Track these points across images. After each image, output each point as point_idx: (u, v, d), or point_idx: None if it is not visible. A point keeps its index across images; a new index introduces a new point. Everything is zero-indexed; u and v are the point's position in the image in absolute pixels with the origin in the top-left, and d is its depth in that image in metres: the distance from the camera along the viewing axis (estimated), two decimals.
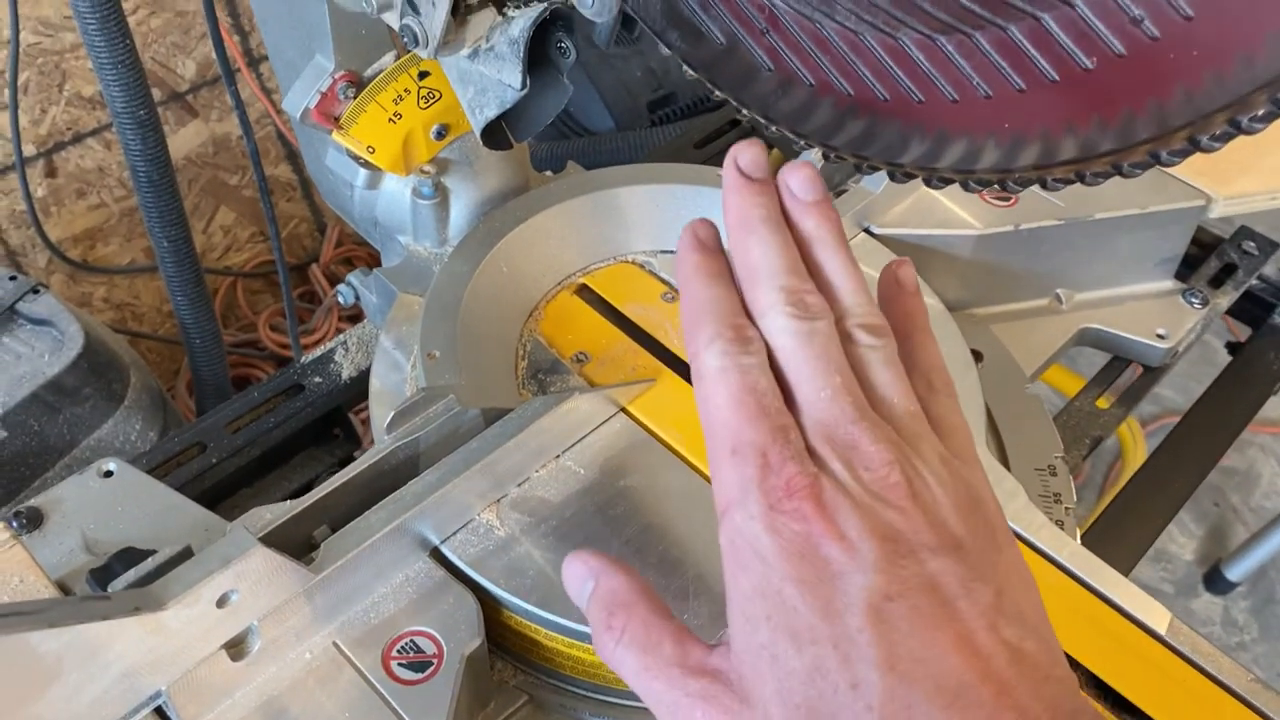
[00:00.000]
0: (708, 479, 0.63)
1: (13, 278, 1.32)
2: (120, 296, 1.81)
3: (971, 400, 0.73)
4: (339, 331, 1.92)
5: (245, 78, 1.71)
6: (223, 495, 0.83)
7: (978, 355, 0.83)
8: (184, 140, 1.77)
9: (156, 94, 1.70)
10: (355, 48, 0.70)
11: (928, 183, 0.51)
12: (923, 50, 0.43)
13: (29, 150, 1.61)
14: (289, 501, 0.59)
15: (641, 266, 0.79)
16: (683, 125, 1.68)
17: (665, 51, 0.55)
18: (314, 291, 1.95)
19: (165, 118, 1.73)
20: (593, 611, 0.41)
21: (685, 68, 0.55)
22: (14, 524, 0.70)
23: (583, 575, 0.43)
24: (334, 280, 1.94)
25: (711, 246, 0.45)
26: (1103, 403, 0.89)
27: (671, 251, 0.80)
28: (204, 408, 1.50)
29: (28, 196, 1.53)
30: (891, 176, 0.50)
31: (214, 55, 1.07)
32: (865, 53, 0.45)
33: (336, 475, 0.59)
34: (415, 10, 0.61)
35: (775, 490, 0.36)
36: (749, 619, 0.36)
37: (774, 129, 0.53)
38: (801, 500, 0.35)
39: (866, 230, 0.81)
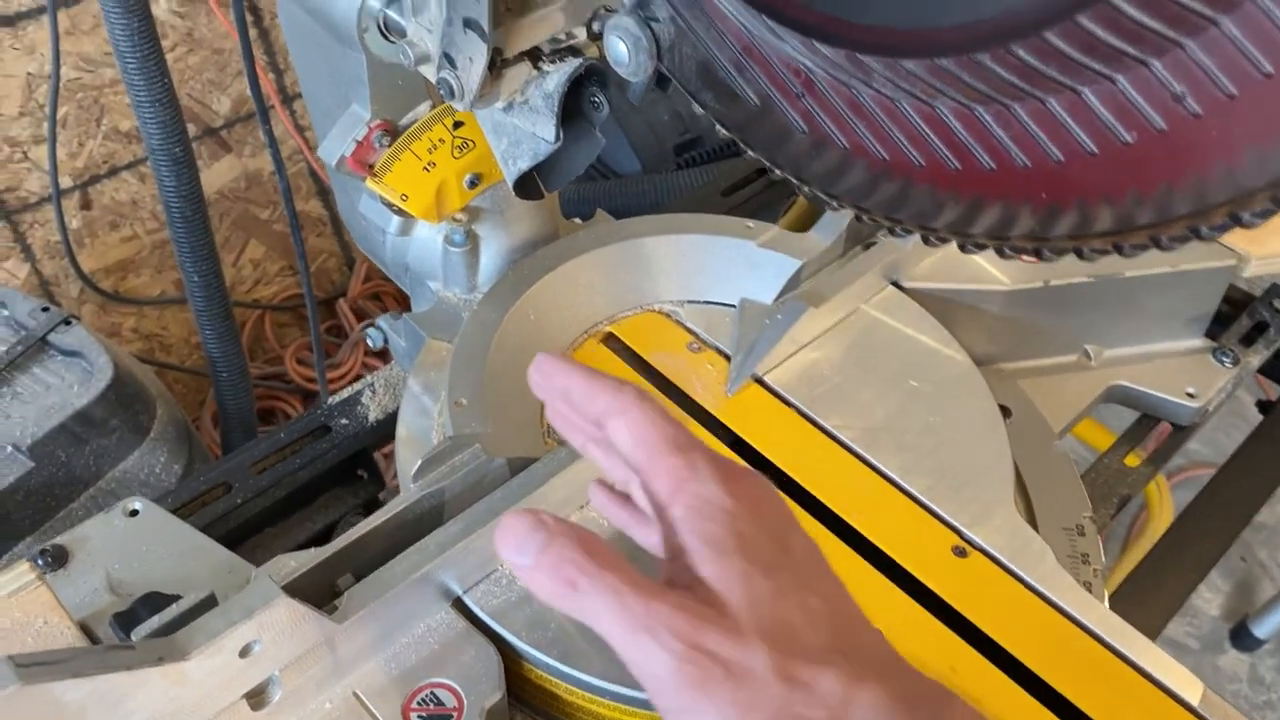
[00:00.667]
0: None
1: (45, 309, 1.33)
2: (149, 327, 1.83)
3: (999, 457, 0.73)
4: (365, 367, 1.93)
5: (279, 114, 1.73)
6: (247, 535, 0.83)
7: (1006, 411, 0.82)
8: (217, 175, 1.79)
9: (191, 129, 1.73)
10: (391, 97, 0.71)
11: (962, 248, 0.51)
12: (960, 119, 0.43)
13: (65, 182, 1.64)
14: (313, 549, 0.59)
15: (668, 316, 0.80)
16: (710, 169, 1.69)
17: (698, 110, 0.55)
18: (341, 326, 1.97)
19: (199, 152, 1.75)
20: (555, 551, 0.42)
21: (719, 127, 0.55)
22: (39, 562, 0.70)
23: (531, 527, 0.43)
24: (361, 315, 1.95)
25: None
26: (1132, 460, 0.88)
27: (696, 301, 0.81)
28: (229, 441, 1.51)
29: (62, 228, 1.55)
30: (925, 240, 0.50)
31: (249, 92, 1.08)
32: (901, 119, 0.45)
33: (361, 523, 0.59)
34: (452, 65, 0.61)
35: (723, 468, 0.46)
36: (720, 550, 0.42)
37: (807, 189, 0.54)
38: (740, 476, 0.47)
39: (895, 284, 0.81)
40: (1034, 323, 0.87)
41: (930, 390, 0.75)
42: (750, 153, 0.55)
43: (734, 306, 0.79)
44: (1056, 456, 0.81)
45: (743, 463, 0.52)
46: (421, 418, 0.71)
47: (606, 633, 0.41)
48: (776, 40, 0.47)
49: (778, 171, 0.54)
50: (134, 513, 0.73)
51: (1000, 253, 0.47)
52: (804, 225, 0.83)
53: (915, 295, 0.83)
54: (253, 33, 1.67)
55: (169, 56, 1.67)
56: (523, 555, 0.42)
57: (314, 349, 1.44)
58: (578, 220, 0.87)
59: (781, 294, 0.79)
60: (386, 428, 0.85)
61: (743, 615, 0.40)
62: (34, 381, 1.28)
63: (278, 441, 0.82)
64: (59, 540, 0.72)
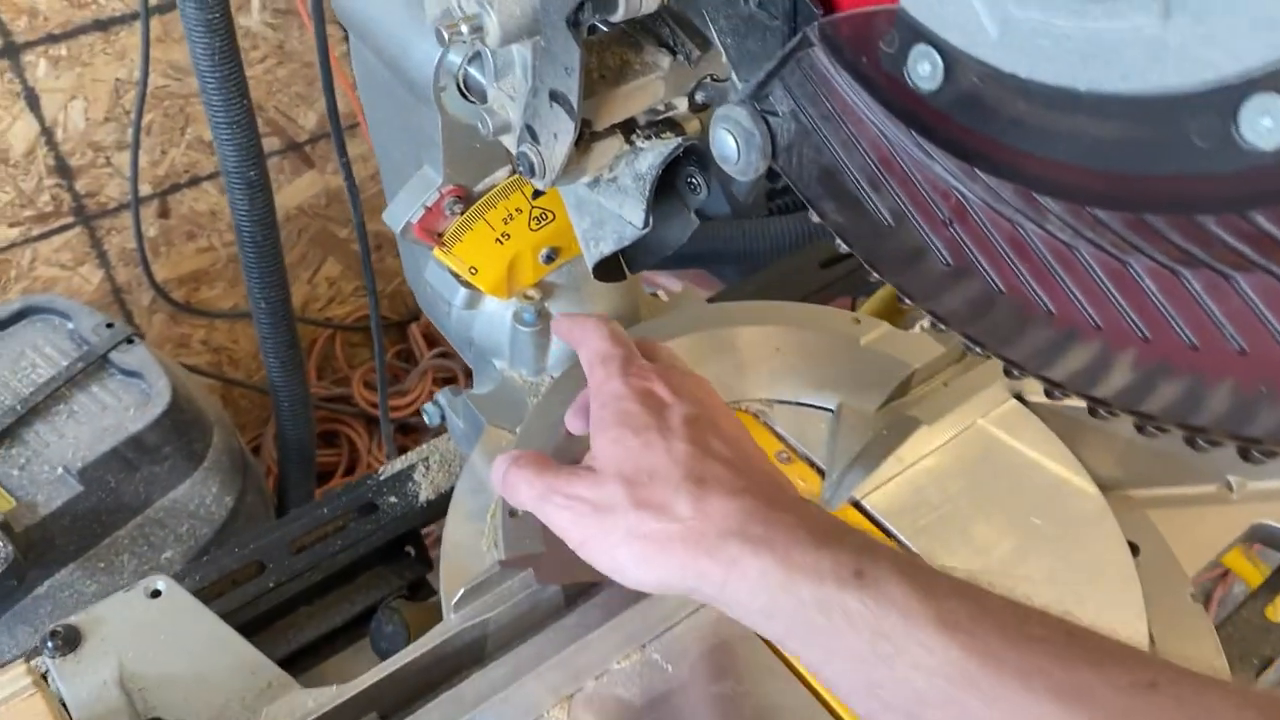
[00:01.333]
0: (820, 696, 0.54)
1: (109, 325, 1.30)
2: (219, 340, 1.79)
3: (1128, 601, 0.63)
4: (431, 396, 1.88)
5: (363, 131, 1.69)
6: (280, 614, 0.77)
7: (1134, 548, 0.72)
8: (297, 190, 1.75)
9: (275, 143, 1.69)
10: (467, 161, 0.63)
11: (1092, 413, 0.42)
12: (1158, 281, 0.34)
13: (145, 190, 1.61)
14: (335, 688, 0.51)
15: (756, 416, 0.71)
16: (803, 218, 1.59)
17: (815, 218, 0.47)
18: (411, 351, 1.91)
19: (281, 166, 1.72)
20: (498, 465, 0.55)
21: (838, 240, 0.46)
22: (49, 645, 0.64)
23: (499, 462, 0.55)
24: (432, 341, 1.90)
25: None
26: (1274, 614, 0.77)
27: (789, 402, 0.72)
28: (285, 470, 1.46)
29: (139, 235, 1.52)
30: (1091, 411, 0.41)
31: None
32: (1078, 270, 0.36)
33: (392, 659, 0.52)
34: (534, 139, 0.54)
35: (631, 368, 0.57)
36: (603, 427, 0.54)
37: (942, 326, 0.45)
38: (647, 371, 0.57)
39: (1019, 398, 0.71)
40: (1168, 446, 0.76)
41: (1054, 531, 0.65)
42: (873, 274, 0.46)
43: (831, 411, 0.70)
44: (1190, 608, 0.71)
45: (679, 364, 0.62)
46: (471, 521, 0.63)
47: (528, 506, 0.53)
48: (924, 158, 0.39)
49: (906, 301, 0.45)
50: (156, 593, 0.67)
51: (1191, 443, 0.38)
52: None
53: (1038, 410, 0.73)
54: (341, 48, 1.63)
55: (258, 68, 1.64)
56: (495, 477, 0.55)
57: (378, 381, 1.38)
58: (660, 293, 0.79)
59: (887, 401, 0.70)
60: (438, 508, 0.77)
61: (609, 467, 0.51)
62: (91, 400, 1.24)
63: (319, 517, 0.75)
64: (73, 620, 0.66)
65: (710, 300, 0.93)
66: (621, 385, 0.55)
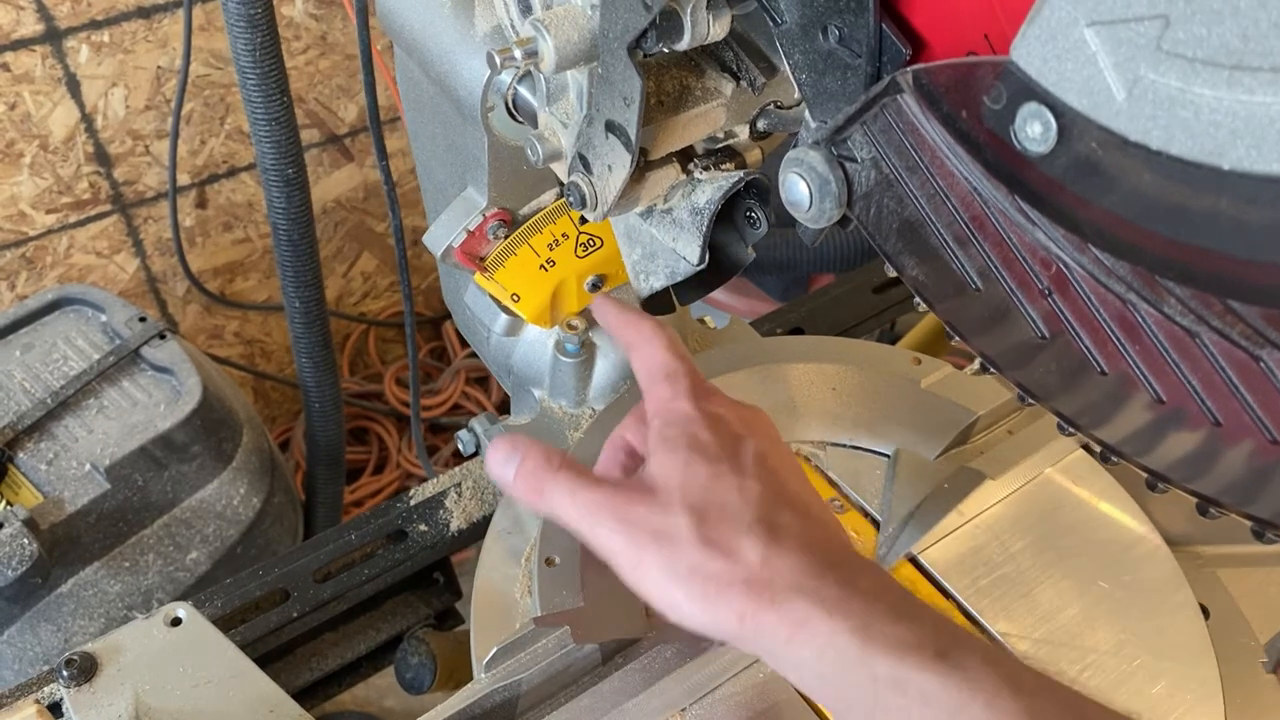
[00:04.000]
0: None
1: (142, 319, 1.28)
2: (252, 332, 1.78)
3: (1202, 678, 0.59)
4: (465, 395, 1.85)
5: (404, 125, 1.66)
6: (304, 639, 0.74)
7: (1204, 612, 0.68)
8: (336, 183, 1.73)
9: (315, 135, 1.67)
10: (513, 184, 0.60)
11: (1202, 511, 0.38)
12: None
13: (183, 179, 1.59)
14: None
15: (807, 460, 0.67)
16: (854, 234, 1.55)
17: (889, 271, 0.43)
18: (445, 349, 1.89)
19: (320, 159, 1.70)
20: (525, 466, 0.50)
21: (915, 298, 0.43)
22: (64, 673, 0.62)
23: (511, 447, 0.50)
24: (467, 341, 1.87)
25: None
26: None
27: (843, 445, 0.68)
28: (314, 469, 1.44)
29: (175, 225, 1.51)
30: (1201, 511, 0.37)
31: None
32: (1197, 358, 0.32)
33: None
34: (587, 169, 0.50)
35: (701, 390, 0.53)
36: (671, 447, 0.49)
37: (1021, 392, 0.41)
38: (717, 396, 0.54)
39: (1086, 449, 0.67)
40: None
41: (1123, 596, 0.61)
42: (953, 337, 0.42)
43: (887, 457, 0.66)
44: (1262, 679, 0.66)
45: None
46: (506, 564, 0.60)
47: (566, 521, 0.48)
48: (1025, 222, 0.35)
49: (989, 370, 0.41)
50: (176, 621, 0.65)
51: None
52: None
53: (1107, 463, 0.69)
54: (384, 40, 1.60)
55: (300, 59, 1.61)
56: (505, 470, 0.50)
57: (411, 382, 1.35)
58: (707, 320, 0.75)
59: (948, 448, 0.66)
60: (470, 536, 0.74)
61: (674, 493, 0.47)
62: (122, 396, 1.22)
63: (347, 544, 0.72)
64: (90, 648, 0.64)
65: (754, 325, 0.89)
66: (691, 407, 0.51)
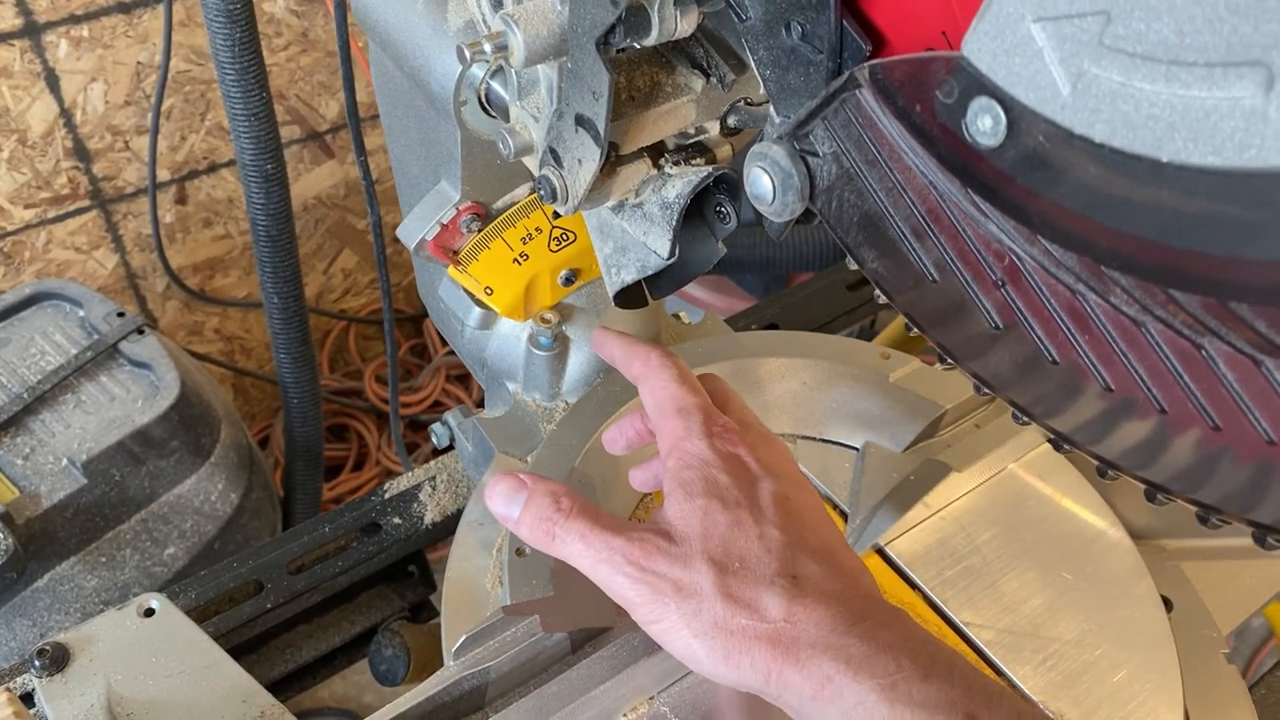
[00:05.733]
0: None
1: (121, 314, 1.28)
2: (232, 329, 1.78)
3: (1162, 660, 0.60)
4: (445, 393, 1.85)
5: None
6: (277, 632, 0.74)
7: (1166, 603, 0.69)
8: (316, 180, 1.73)
9: (296, 131, 1.67)
10: (486, 178, 0.61)
11: (1150, 497, 0.39)
12: (1234, 368, 0.31)
13: (163, 175, 1.59)
14: None
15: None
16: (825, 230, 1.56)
17: (851, 264, 0.44)
18: (425, 347, 1.89)
19: (301, 156, 1.70)
20: (533, 508, 0.49)
21: (876, 290, 0.43)
22: (35, 663, 0.62)
23: (514, 487, 0.50)
24: None
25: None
26: None
27: (813, 438, 0.69)
28: (293, 466, 1.44)
29: (155, 221, 1.51)
30: (1149, 497, 0.38)
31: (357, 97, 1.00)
32: (1144, 347, 0.33)
33: (385, 709, 0.49)
34: (557, 163, 0.51)
35: (715, 427, 0.52)
36: (689, 493, 0.49)
37: (983, 389, 0.42)
38: (732, 434, 0.52)
39: (1052, 443, 0.68)
40: None
41: (1086, 588, 0.62)
42: (911, 328, 0.43)
43: (856, 450, 0.67)
44: (1224, 670, 0.67)
45: (755, 423, 0.56)
46: (477, 556, 0.61)
47: (579, 566, 0.48)
48: (978, 215, 0.36)
49: (944, 360, 0.42)
50: (150, 612, 0.65)
51: (1260, 541, 0.35)
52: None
53: (1072, 457, 0.70)
54: (365, 38, 1.60)
55: (281, 55, 1.61)
56: (510, 509, 0.49)
57: (390, 378, 1.35)
58: (682, 315, 0.76)
59: (916, 441, 0.67)
60: (444, 529, 0.75)
61: (695, 543, 0.46)
62: (99, 391, 1.22)
63: (320, 537, 0.72)
64: (62, 639, 0.64)
65: (730, 321, 0.90)
66: (707, 448, 0.50)
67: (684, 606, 0.45)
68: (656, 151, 0.55)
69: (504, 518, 0.49)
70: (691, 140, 0.57)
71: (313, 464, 1.43)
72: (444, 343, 1.85)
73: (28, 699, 0.62)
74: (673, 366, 0.54)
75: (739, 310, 0.95)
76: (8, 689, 0.58)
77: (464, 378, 1.86)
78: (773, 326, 0.90)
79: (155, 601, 0.65)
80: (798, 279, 1.80)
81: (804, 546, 0.47)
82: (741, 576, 0.45)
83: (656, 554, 0.46)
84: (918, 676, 0.42)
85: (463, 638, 0.50)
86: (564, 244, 0.63)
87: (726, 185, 0.55)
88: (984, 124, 0.32)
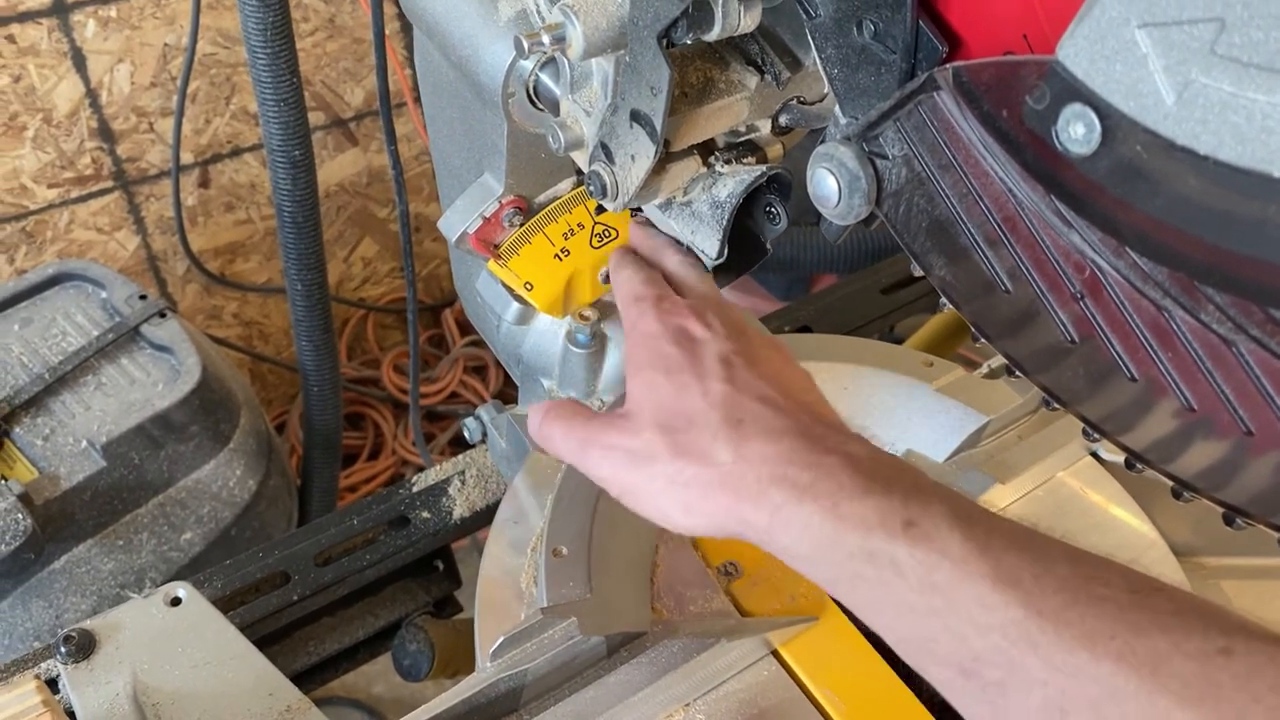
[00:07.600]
0: None
1: (143, 296, 1.27)
2: (251, 314, 1.77)
3: None
4: (463, 385, 1.84)
5: (410, 111, 1.65)
6: (301, 624, 0.74)
7: None
8: (339, 167, 1.72)
9: (321, 118, 1.66)
10: (530, 172, 0.60)
11: (1228, 521, 0.38)
12: None
13: (187, 158, 1.58)
14: None
15: None
16: (859, 232, 1.54)
17: (915, 271, 0.43)
18: (444, 337, 1.88)
19: (325, 142, 1.69)
20: (536, 419, 0.53)
21: (942, 300, 0.42)
22: (61, 649, 0.61)
23: (539, 411, 0.54)
24: (466, 328, 1.86)
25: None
26: None
27: None
28: (310, 454, 1.44)
29: (177, 204, 1.50)
30: (1227, 521, 0.36)
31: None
32: (1233, 367, 0.32)
33: (423, 710, 0.48)
34: (609, 159, 0.50)
35: (664, 306, 0.54)
36: (637, 368, 0.52)
37: (1045, 395, 0.41)
38: (681, 308, 0.54)
39: (1094, 455, 0.67)
40: None
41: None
42: (978, 338, 0.42)
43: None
44: None
45: (711, 294, 0.58)
46: (510, 555, 0.60)
47: (563, 457, 0.52)
48: (1060, 224, 0.34)
49: (1013, 373, 0.41)
50: (176, 601, 0.64)
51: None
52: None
53: (1112, 468, 0.69)
54: (395, 24, 1.59)
55: (308, 41, 1.60)
56: (533, 428, 0.54)
57: (411, 369, 1.35)
58: None
59: (957, 451, 0.65)
60: (473, 524, 0.74)
61: (645, 415, 0.50)
62: (120, 373, 1.22)
63: (349, 529, 0.72)
64: (88, 625, 0.63)
65: (763, 322, 0.89)
66: (655, 323, 0.53)
67: (643, 471, 0.48)
68: (706, 149, 0.54)
69: (532, 435, 0.54)
70: (742, 139, 0.56)
71: (331, 453, 1.43)
72: (463, 333, 1.84)
73: (52, 684, 0.61)
74: (630, 265, 0.57)
75: (763, 311, 0.94)
76: (37, 677, 0.57)
77: (481, 369, 1.85)
78: (805, 329, 0.89)
79: (182, 590, 0.65)
80: (820, 280, 1.79)
81: (749, 392, 0.49)
82: (688, 433, 0.48)
83: (613, 431, 0.50)
84: (859, 492, 0.43)
85: (500, 639, 0.49)
86: (606, 241, 0.62)
87: (778, 185, 0.54)
88: (1076, 131, 0.31)
